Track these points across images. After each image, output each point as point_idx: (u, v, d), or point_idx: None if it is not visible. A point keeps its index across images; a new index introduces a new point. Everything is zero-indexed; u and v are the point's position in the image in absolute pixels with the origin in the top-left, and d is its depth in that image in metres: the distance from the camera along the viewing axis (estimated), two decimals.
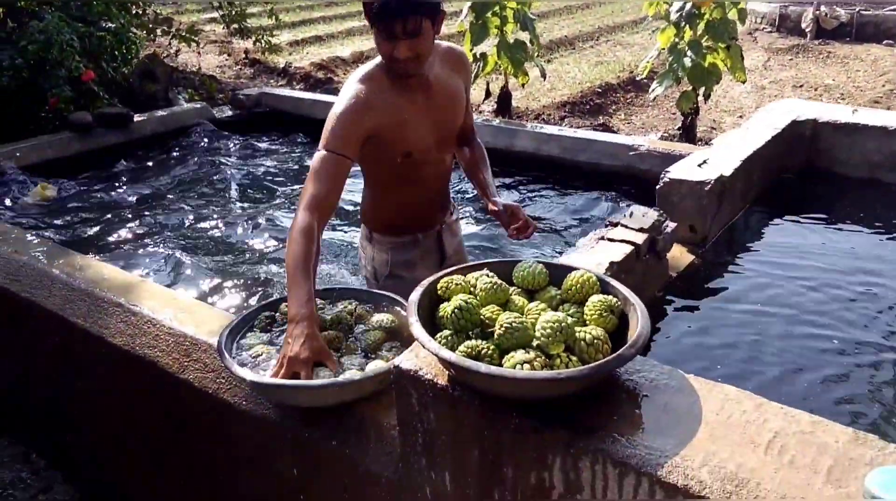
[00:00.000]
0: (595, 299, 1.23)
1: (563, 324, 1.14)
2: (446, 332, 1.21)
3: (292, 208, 3.31)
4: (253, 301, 2.53)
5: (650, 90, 4.93)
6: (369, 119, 1.79)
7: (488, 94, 6.02)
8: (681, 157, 3.04)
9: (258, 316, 1.68)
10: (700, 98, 4.81)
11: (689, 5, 4.61)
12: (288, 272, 1.61)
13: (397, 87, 1.84)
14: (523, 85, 5.86)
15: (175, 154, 3.89)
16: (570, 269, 1.33)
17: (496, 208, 1.91)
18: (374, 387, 1.46)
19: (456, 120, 2.00)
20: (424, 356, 1.27)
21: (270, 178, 3.75)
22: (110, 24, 4.36)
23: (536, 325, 1.17)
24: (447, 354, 1.10)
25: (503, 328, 1.15)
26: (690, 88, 4.81)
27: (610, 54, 9.12)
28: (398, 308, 1.69)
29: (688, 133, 5.05)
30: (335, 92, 7.16)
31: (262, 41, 7.30)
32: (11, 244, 2.34)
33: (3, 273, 2.25)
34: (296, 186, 3.67)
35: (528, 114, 6.24)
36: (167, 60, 6.79)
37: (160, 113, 4.11)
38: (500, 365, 1.13)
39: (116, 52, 4.41)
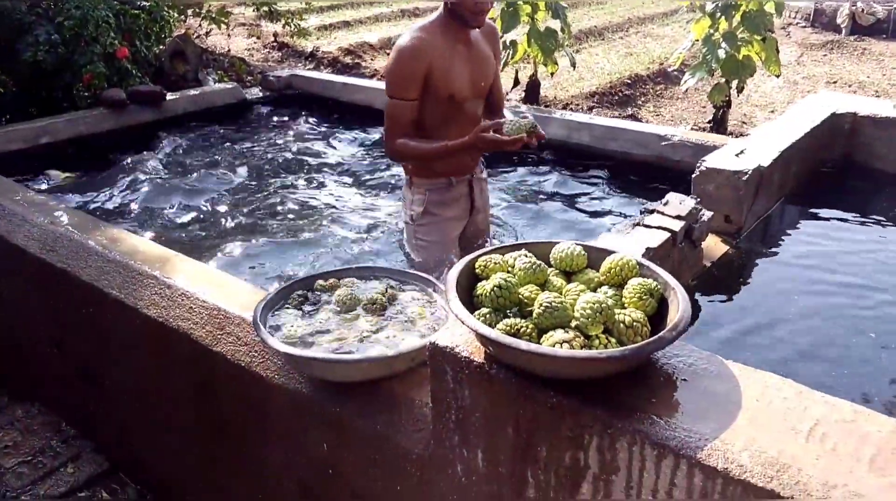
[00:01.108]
0: (635, 282, 1.22)
1: (602, 305, 1.14)
2: (485, 310, 1.21)
3: (322, 185, 3.33)
4: (285, 275, 2.55)
5: (682, 82, 4.88)
6: (424, 62, 2.19)
7: (517, 82, 5.99)
8: (714, 148, 3.01)
9: (292, 293, 1.70)
10: (733, 91, 4.74)
11: None
12: (429, 153, 2.22)
13: (448, 38, 2.24)
14: (552, 74, 5.82)
15: (206, 132, 3.92)
16: (609, 252, 1.33)
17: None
18: (407, 364, 1.46)
19: (488, 77, 2.40)
20: (461, 333, 1.27)
21: (301, 157, 3.76)
22: (145, 3, 4.40)
23: (575, 305, 1.16)
24: (486, 330, 1.10)
25: (542, 308, 1.15)
26: (723, 80, 4.75)
27: (640, 45, 9.02)
28: (430, 288, 1.70)
29: (719, 126, 4.99)
30: (364, 75, 7.17)
31: (292, 25, 7.31)
32: (48, 215, 2.37)
33: (40, 243, 2.29)
34: (323, 166, 3.69)
35: (557, 103, 6.20)
36: (197, 41, 6.83)
37: (192, 92, 4.14)
38: (539, 344, 1.12)
39: (150, 31, 4.45)
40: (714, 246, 2.00)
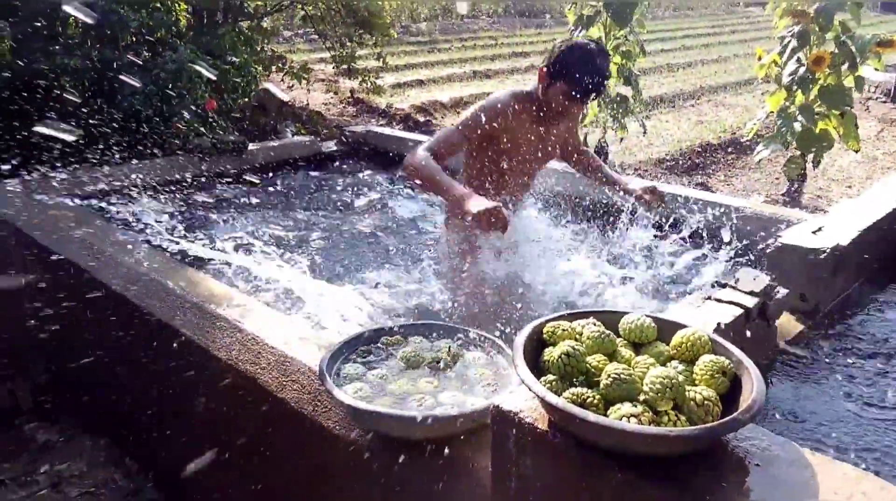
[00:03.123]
0: (707, 359, 1.20)
1: (673, 381, 1.12)
2: (551, 377, 1.21)
3: (398, 244, 3.41)
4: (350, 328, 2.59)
5: (755, 153, 4.81)
6: (498, 125, 2.37)
7: (585, 145, 6.02)
8: (787, 222, 2.95)
9: (358, 346, 1.73)
10: (809, 165, 4.65)
11: (802, 70, 4.50)
12: (431, 180, 2.15)
13: (530, 116, 2.45)
14: (622, 139, 5.84)
15: (284, 182, 4.09)
16: (679, 326, 1.31)
17: (638, 192, 2.59)
18: (469, 425, 1.46)
19: (546, 164, 2.70)
20: (525, 398, 1.27)
21: (373, 210, 3.88)
22: (234, 59, 4.67)
23: (644, 379, 1.15)
24: (553, 398, 1.10)
25: (610, 379, 1.14)
26: (798, 153, 4.67)
27: (711, 114, 8.98)
28: (495, 350, 1.70)
29: (793, 199, 4.88)
30: (434, 133, 7.36)
31: (368, 82, 7.61)
32: (133, 255, 2.50)
33: (122, 280, 2.40)
34: (393, 224, 3.78)
35: (625, 168, 6.20)
36: (278, 96, 7.17)
37: (272, 143, 4.34)
38: (606, 416, 1.11)
39: (237, 85, 4.71)
40: (788, 324, 1.94)
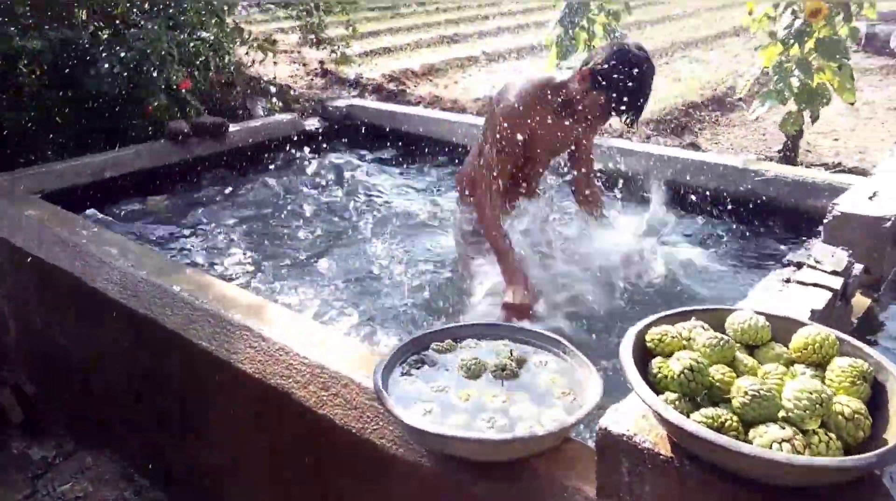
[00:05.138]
0: (843, 364, 1.06)
1: (821, 395, 0.98)
2: (672, 396, 1.05)
3: (408, 233, 3.21)
4: (377, 331, 2.42)
5: (751, 110, 4.69)
6: (525, 126, 2.27)
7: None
8: (813, 185, 2.84)
9: (406, 356, 1.56)
10: (807, 120, 4.56)
11: (798, 22, 4.37)
12: (499, 253, 2.29)
13: (558, 114, 2.29)
14: None
15: (272, 167, 3.84)
16: (794, 322, 1.17)
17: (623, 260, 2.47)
18: (553, 443, 1.31)
19: (559, 156, 2.59)
20: (633, 417, 1.12)
21: (374, 195, 3.66)
22: (204, 34, 4.35)
23: (783, 393, 1.01)
24: (693, 426, 0.95)
25: (749, 397, 1.00)
26: (796, 108, 4.56)
27: (685, 71, 8.85)
28: (559, 350, 1.55)
29: (788, 156, 4.80)
30: (411, 103, 7.09)
31: (337, 52, 7.27)
32: (129, 259, 2.27)
33: (120, 287, 2.18)
34: (399, 204, 3.57)
35: (612, 132, 6.05)
36: (246, 71, 6.81)
37: (253, 124, 4.06)
38: (748, 440, 0.97)
39: (210, 62, 4.40)
40: (856, 301, 1.82)
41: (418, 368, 1.53)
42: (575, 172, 2.63)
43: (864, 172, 4.31)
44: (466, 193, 2.55)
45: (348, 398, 1.61)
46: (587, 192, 2.64)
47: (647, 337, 1.16)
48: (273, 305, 1.99)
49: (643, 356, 1.15)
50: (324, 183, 3.76)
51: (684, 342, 1.15)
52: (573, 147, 2.58)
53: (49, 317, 2.56)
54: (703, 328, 1.16)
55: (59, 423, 2.73)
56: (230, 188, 3.62)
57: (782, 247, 2.74)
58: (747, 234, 2.84)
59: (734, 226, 2.79)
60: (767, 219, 2.81)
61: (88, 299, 2.26)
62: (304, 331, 1.84)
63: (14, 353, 2.77)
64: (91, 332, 2.37)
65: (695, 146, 5.56)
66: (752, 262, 2.74)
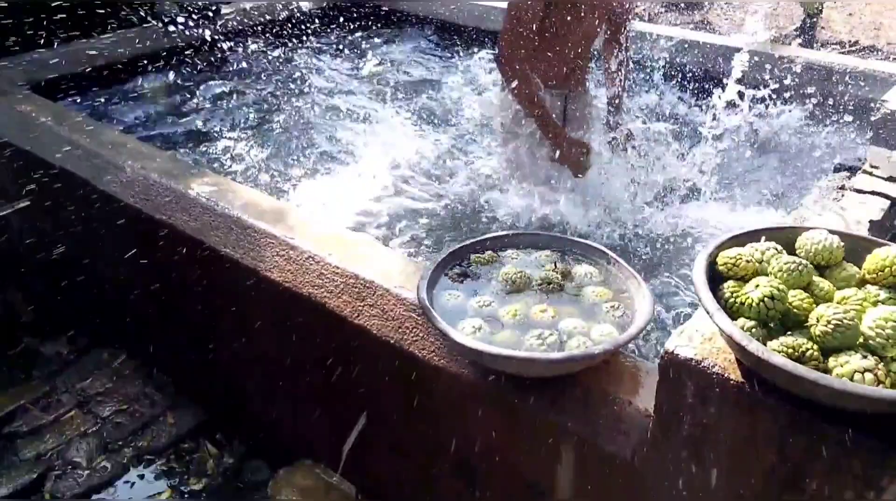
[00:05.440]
0: None
1: None
2: (748, 323, 1.02)
3: (430, 118, 3.09)
4: (396, 230, 2.36)
5: None
6: None
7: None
8: (844, 72, 2.72)
9: (447, 268, 1.51)
10: None
11: None
12: (541, 118, 2.29)
13: None
14: None
15: (272, 52, 3.61)
16: (869, 241, 1.13)
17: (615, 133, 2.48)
18: (605, 358, 1.30)
19: (589, 44, 2.45)
20: (700, 340, 1.10)
21: (382, 78, 3.49)
22: None
23: (863, 321, 0.98)
24: (779, 359, 0.92)
25: (831, 325, 0.97)
26: None
27: None
28: (604, 260, 1.51)
29: (806, 34, 4.61)
30: None
31: None
32: (134, 158, 2.16)
33: (132, 191, 2.09)
34: (417, 86, 3.40)
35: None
36: None
37: (245, 5, 3.79)
38: (827, 369, 0.95)
39: None
40: None
41: (461, 281, 1.49)
42: (606, 45, 2.55)
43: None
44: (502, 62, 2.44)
45: (385, 309, 1.59)
46: (612, 67, 2.54)
47: (720, 260, 1.11)
48: (297, 209, 1.92)
49: (712, 276, 1.12)
50: (330, 66, 3.57)
51: (758, 265, 1.11)
52: (608, 33, 2.47)
53: (58, 223, 2.47)
54: (777, 250, 1.12)
55: (70, 324, 2.71)
56: (230, 76, 3.42)
57: None
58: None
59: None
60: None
61: (99, 202, 2.16)
62: (332, 236, 1.78)
63: (25, 257, 2.71)
64: (100, 236, 2.29)
65: (705, 22, 5.31)
66: None
